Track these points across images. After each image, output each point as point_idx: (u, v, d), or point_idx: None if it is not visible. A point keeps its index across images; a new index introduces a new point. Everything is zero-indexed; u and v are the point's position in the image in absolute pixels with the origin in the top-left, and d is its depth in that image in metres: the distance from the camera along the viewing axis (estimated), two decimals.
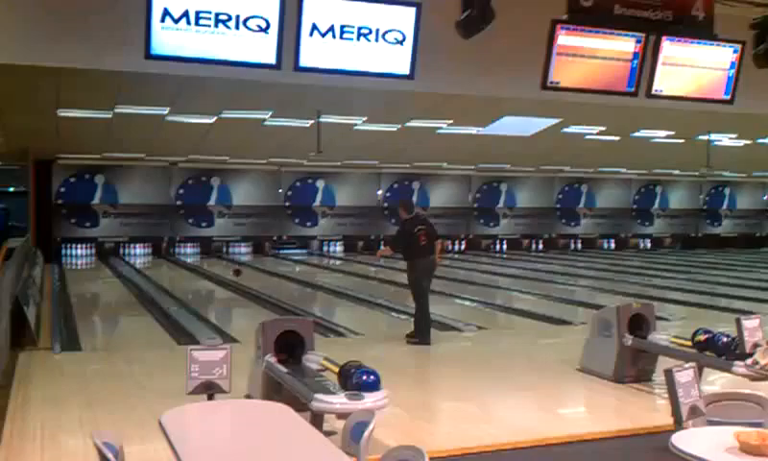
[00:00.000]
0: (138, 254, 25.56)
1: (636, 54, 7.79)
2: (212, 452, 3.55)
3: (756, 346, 6.23)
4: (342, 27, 6.95)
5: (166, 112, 15.75)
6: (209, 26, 6.64)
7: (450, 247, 29.12)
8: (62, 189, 25.13)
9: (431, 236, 10.24)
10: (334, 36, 6.92)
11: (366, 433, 3.70)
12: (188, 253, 26.34)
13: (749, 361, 6.10)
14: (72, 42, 7.99)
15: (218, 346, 5.71)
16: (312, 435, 3.79)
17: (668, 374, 4.23)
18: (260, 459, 3.48)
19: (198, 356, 5.12)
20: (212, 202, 27.13)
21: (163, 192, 26.38)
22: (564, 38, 7.49)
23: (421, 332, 10.12)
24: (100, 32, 7.83)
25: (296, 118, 17.06)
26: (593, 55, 7.68)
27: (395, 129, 18.52)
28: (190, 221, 26.89)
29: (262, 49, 6.83)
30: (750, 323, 6.55)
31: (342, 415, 4.99)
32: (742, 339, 6.46)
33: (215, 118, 16.71)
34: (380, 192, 29.22)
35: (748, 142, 21.77)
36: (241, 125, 17.41)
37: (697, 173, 29.39)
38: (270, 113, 16.48)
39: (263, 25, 6.75)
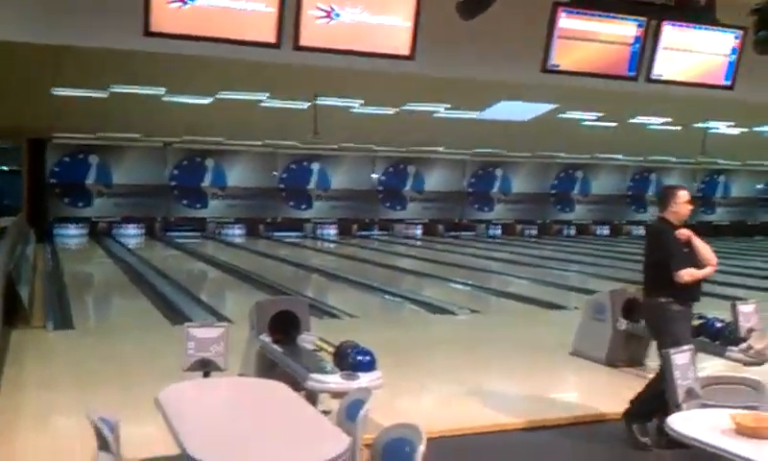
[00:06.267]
0: (132, 235, 25.49)
1: (637, 38, 7.73)
2: (210, 429, 3.55)
3: (750, 331, 6.25)
4: (343, 6, 6.90)
5: (163, 93, 15.67)
6: (209, 2, 6.59)
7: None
8: (56, 169, 25.06)
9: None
10: (335, 16, 6.87)
11: (362, 412, 3.70)
12: (182, 233, 26.27)
13: (743, 346, 6.12)
14: (69, 19, 7.89)
15: (215, 323, 5.70)
16: (309, 412, 3.79)
17: (665, 355, 4.24)
18: (258, 436, 3.48)
19: (195, 333, 5.12)
20: (206, 183, 27.07)
21: (157, 173, 26.32)
22: (566, 21, 7.44)
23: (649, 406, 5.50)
24: (97, 8, 7.76)
25: (292, 100, 16.99)
26: (594, 38, 7.62)
27: (392, 112, 18.46)
28: (184, 202, 26.83)
29: (262, 27, 6.77)
30: (745, 308, 6.57)
31: (337, 394, 4.99)
32: (737, 324, 6.48)
33: (212, 99, 16.64)
34: (375, 175, 29.19)
35: (744, 130, 21.78)
36: (237, 106, 17.33)
37: (692, 160, 29.42)
38: (267, 95, 16.41)
39: (264, 3, 6.70)
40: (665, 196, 5.82)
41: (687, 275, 5.44)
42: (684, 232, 5.56)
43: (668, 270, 5.47)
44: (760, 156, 29.54)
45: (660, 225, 5.78)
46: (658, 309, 5.62)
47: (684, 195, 5.74)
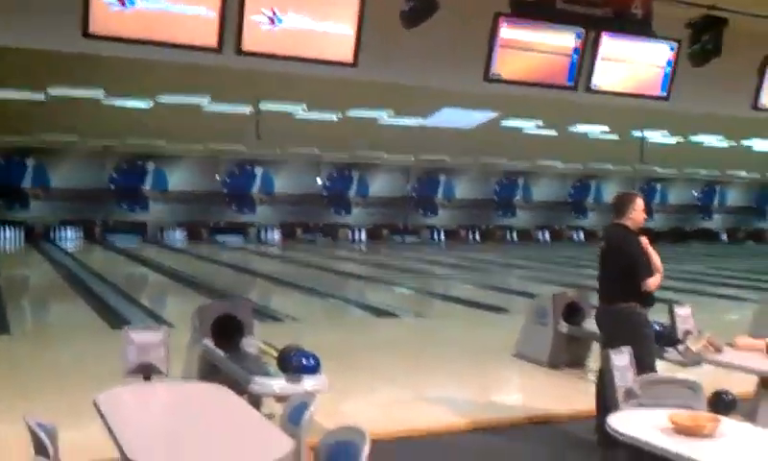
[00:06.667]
0: (69, 238, 24.95)
1: (576, 49, 7.90)
2: (151, 433, 3.49)
3: (687, 333, 6.38)
4: (286, 12, 6.89)
5: (102, 96, 15.42)
6: (150, 6, 6.50)
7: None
8: None
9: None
10: (278, 22, 6.84)
11: (306, 415, 3.68)
12: (122, 237, 25.78)
13: (681, 348, 6.25)
14: (5, 19, 7.71)
15: (155, 327, 5.60)
16: (252, 415, 3.76)
17: (605, 356, 4.32)
18: (200, 439, 3.44)
19: (134, 337, 5.00)
20: (147, 186, 26.67)
21: (97, 176, 25.83)
22: (507, 31, 7.57)
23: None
24: (35, 9, 7.59)
25: (234, 104, 16.88)
26: (535, 48, 7.77)
27: (335, 118, 18.47)
28: (124, 206, 26.39)
29: (203, 31, 6.71)
30: (682, 311, 6.71)
31: (281, 398, 4.96)
32: (675, 326, 6.62)
33: (152, 102, 16.43)
34: (320, 180, 29.14)
35: (680, 139, 22.34)
36: (178, 109, 17.15)
37: (631, 168, 30.01)
38: (208, 99, 16.28)
39: (205, 7, 6.64)
40: (624, 203, 5.67)
41: (653, 282, 5.47)
42: (644, 240, 5.60)
43: (633, 277, 5.46)
44: (696, 164, 30.32)
45: (622, 232, 5.65)
46: (627, 314, 5.53)
47: (640, 203, 5.67)
